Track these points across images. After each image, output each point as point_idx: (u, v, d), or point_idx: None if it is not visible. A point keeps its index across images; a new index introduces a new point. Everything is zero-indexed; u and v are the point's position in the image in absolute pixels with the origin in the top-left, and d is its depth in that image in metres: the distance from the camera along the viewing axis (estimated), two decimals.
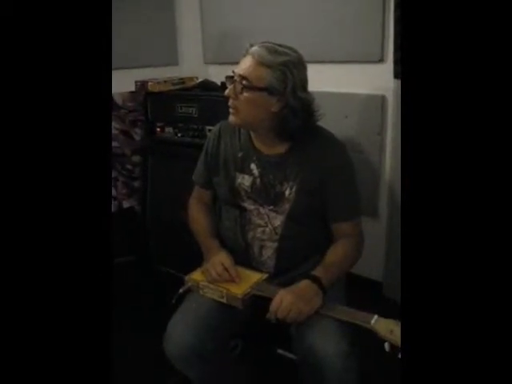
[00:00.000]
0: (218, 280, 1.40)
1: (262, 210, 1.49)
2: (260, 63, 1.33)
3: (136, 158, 2.73)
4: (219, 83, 2.36)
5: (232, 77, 1.41)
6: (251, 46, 1.38)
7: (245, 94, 1.36)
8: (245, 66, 1.36)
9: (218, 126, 1.61)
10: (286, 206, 1.46)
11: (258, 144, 1.49)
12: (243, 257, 1.51)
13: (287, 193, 1.45)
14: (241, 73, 1.36)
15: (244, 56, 1.39)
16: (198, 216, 1.64)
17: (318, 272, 1.36)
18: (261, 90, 1.34)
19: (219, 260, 1.43)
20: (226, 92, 1.40)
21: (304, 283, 1.33)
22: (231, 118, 1.43)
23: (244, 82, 1.35)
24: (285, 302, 1.27)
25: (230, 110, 1.42)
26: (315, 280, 1.33)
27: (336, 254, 1.44)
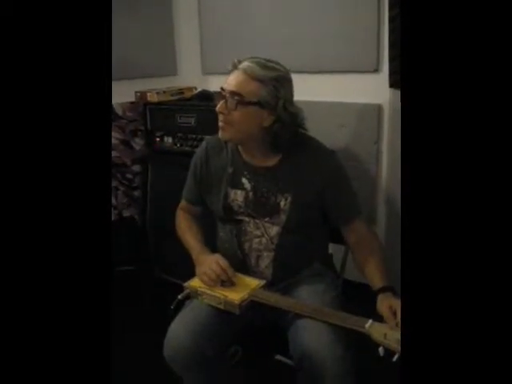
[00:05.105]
0: (215, 280, 1.42)
1: (257, 220, 1.51)
2: (252, 78, 1.36)
3: (136, 168, 2.76)
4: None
5: (221, 92, 1.42)
6: (239, 61, 1.39)
7: (237, 110, 1.37)
8: (236, 81, 1.37)
9: (203, 145, 1.63)
10: (282, 217, 1.47)
11: (247, 158, 1.51)
12: (240, 267, 1.52)
13: (282, 204, 1.47)
14: (233, 89, 1.37)
15: (231, 71, 1.40)
16: (186, 225, 1.67)
17: (385, 281, 1.37)
18: (253, 104, 1.37)
19: (215, 260, 1.45)
20: (217, 108, 1.41)
21: (392, 298, 1.31)
22: (222, 134, 1.44)
23: (236, 97, 1.36)
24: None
25: (221, 126, 1.43)
26: (391, 289, 1.35)
27: (372, 255, 1.46)
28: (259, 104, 1.37)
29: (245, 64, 1.38)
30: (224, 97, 1.40)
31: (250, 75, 1.36)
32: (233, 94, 1.37)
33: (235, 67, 1.40)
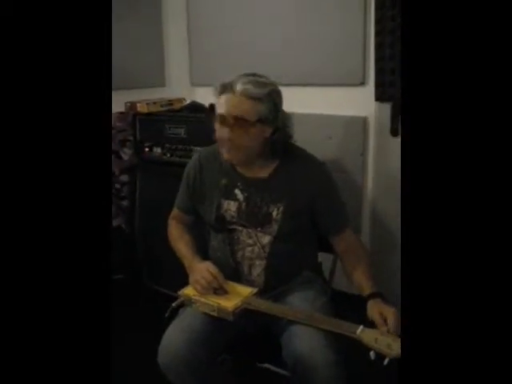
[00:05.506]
0: (207, 288, 1.44)
1: (250, 230, 1.54)
2: (250, 98, 1.39)
3: (124, 178, 2.76)
4: (206, 105, 2.42)
5: (222, 117, 1.43)
6: (230, 84, 1.41)
7: (244, 133, 1.41)
8: (234, 105, 1.40)
9: (196, 155, 1.66)
10: (274, 227, 1.51)
11: (241, 169, 1.55)
12: (233, 276, 1.54)
13: (274, 214, 1.50)
14: (237, 114, 1.39)
15: (222, 93, 1.42)
16: (178, 233, 1.69)
17: (373, 288, 1.42)
18: (256, 122, 1.41)
19: (205, 267, 1.48)
20: (224, 134, 1.43)
21: (381, 304, 1.35)
22: (229, 157, 1.48)
23: (240, 121, 1.40)
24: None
25: (227, 150, 1.46)
26: (380, 295, 1.39)
27: (361, 263, 1.51)
28: (260, 121, 1.42)
29: (239, 87, 1.39)
30: (225, 121, 1.42)
31: (246, 96, 1.39)
32: (236, 119, 1.40)
33: (229, 89, 1.41)
